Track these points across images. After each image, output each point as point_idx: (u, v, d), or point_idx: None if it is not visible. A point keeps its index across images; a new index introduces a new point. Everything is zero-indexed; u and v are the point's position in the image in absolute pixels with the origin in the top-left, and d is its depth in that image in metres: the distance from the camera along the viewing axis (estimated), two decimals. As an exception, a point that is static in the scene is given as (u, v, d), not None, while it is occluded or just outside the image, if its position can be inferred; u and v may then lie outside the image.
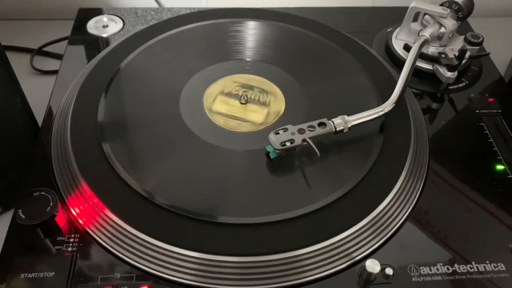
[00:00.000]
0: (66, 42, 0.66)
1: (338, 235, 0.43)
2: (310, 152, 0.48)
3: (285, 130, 0.48)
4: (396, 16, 0.68)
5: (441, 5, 0.61)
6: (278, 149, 0.47)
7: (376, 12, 0.72)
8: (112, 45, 0.62)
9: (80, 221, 0.44)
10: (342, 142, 0.50)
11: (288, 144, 0.47)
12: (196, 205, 0.44)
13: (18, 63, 0.67)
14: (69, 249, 0.42)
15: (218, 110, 0.54)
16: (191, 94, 0.55)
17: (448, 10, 0.59)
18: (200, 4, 0.83)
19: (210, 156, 0.49)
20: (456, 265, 0.43)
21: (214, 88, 0.56)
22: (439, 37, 0.60)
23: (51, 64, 0.73)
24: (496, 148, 0.53)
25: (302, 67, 0.59)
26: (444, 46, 0.60)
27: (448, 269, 0.43)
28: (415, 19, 0.62)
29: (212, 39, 0.63)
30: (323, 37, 0.63)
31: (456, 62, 0.57)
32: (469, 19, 0.66)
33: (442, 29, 0.59)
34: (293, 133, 0.47)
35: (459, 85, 0.60)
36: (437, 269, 0.42)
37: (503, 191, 0.49)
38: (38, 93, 0.58)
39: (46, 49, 0.74)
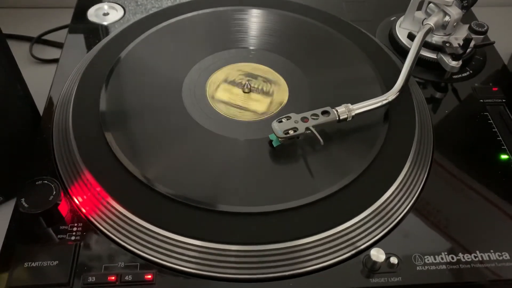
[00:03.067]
0: (66, 30, 0.66)
1: (342, 224, 0.42)
2: (313, 141, 0.47)
3: (288, 118, 0.47)
4: (399, 4, 0.68)
5: (446, -7, 0.60)
6: (281, 138, 0.46)
7: (379, 0, 0.72)
8: (113, 33, 0.61)
9: (83, 210, 0.44)
10: (346, 131, 0.50)
11: (291, 132, 0.46)
12: (198, 193, 0.44)
13: (18, 52, 0.66)
14: (72, 238, 0.42)
15: (221, 99, 0.54)
16: (194, 83, 0.55)
17: (453, -2, 0.58)
18: (201, -8, 0.82)
19: (212, 145, 0.49)
20: (460, 254, 0.43)
21: (217, 77, 0.56)
22: (443, 26, 0.60)
23: (51, 52, 0.72)
24: (500, 138, 0.53)
25: (305, 56, 0.59)
26: (449, 35, 0.60)
27: (452, 258, 0.42)
28: (419, 8, 0.62)
29: (214, 27, 0.62)
30: (326, 26, 0.62)
31: (460, 51, 0.57)
32: (473, 8, 0.65)
33: (447, 18, 0.59)
34: (296, 122, 0.47)
35: (463, 75, 0.60)
36: (442, 258, 0.42)
37: (508, 180, 0.49)
38: (38, 82, 0.57)
39: (45, 37, 0.74)
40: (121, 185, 0.44)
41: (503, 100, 0.57)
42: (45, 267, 0.40)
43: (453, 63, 0.57)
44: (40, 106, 0.55)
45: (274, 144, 0.48)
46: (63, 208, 0.43)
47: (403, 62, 0.55)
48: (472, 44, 0.59)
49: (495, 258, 0.43)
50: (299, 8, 0.65)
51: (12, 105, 0.50)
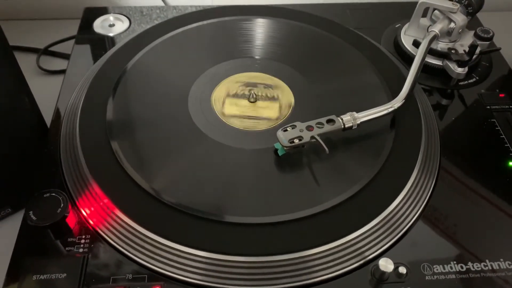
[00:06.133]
0: (72, 41, 0.66)
1: (350, 235, 0.42)
2: (319, 150, 0.47)
3: (293, 127, 0.48)
4: (404, 11, 0.68)
5: (451, 0, 0.60)
6: (286, 146, 0.46)
7: (384, 8, 0.72)
8: (119, 44, 0.62)
9: (91, 222, 0.44)
10: (352, 139, 0.50)
11: (296, 141, 0.46)
12: (206, 204, 0.44)
13: (25, 63, 0.66)
14: (80, 250, 0.42)
15: (227, 109, 0.54)
16: (200, 93, 0.55)
17: (458, 5, 0.58)
18: (206, 2, 0.82)
19: (218, 155, 0.49)
20: (469, 263, 0.42)
21: (223, 87, 0.56)
22: (448, 33, 0.59)
23: (58, 64, 0.73)
24: (508, 145, 0.52)
25: (310, 64, 0.59)
26: (454, 41, 0.60)
27: (461, 267, 0.42)
28: (424, 15, 0.62)
29: (219, 37, 0.63)
30: (331, 34, 0.63)
31: (466, 58, 0.56)
32: (479, 14, 0.65)
33: (452, 25, 0.59)
34: (301, 130, 0.47)
35: (469, 81, 0.60)
36: (451, 268, 0.42)
37: (516, 187, 0.49)
38: (45, 93, 0.58)
39: (52, 48, 0.74)
40: (129, 197, 0.45)
41: (510, 106, 0.56)
42: (54, 280, 0.40)
43: (459, 70, 0.57)
44: (48, 117, 0.55)
45: (279, 153, 0.48)
46: (71, 220, 0.43)
47: (408, 69, 0.54)
48: (478, 50, 0.59)
49: (505, 267, 0.42)
50: (303, 17, 0.65)
51: (20, 117, 0.50)
